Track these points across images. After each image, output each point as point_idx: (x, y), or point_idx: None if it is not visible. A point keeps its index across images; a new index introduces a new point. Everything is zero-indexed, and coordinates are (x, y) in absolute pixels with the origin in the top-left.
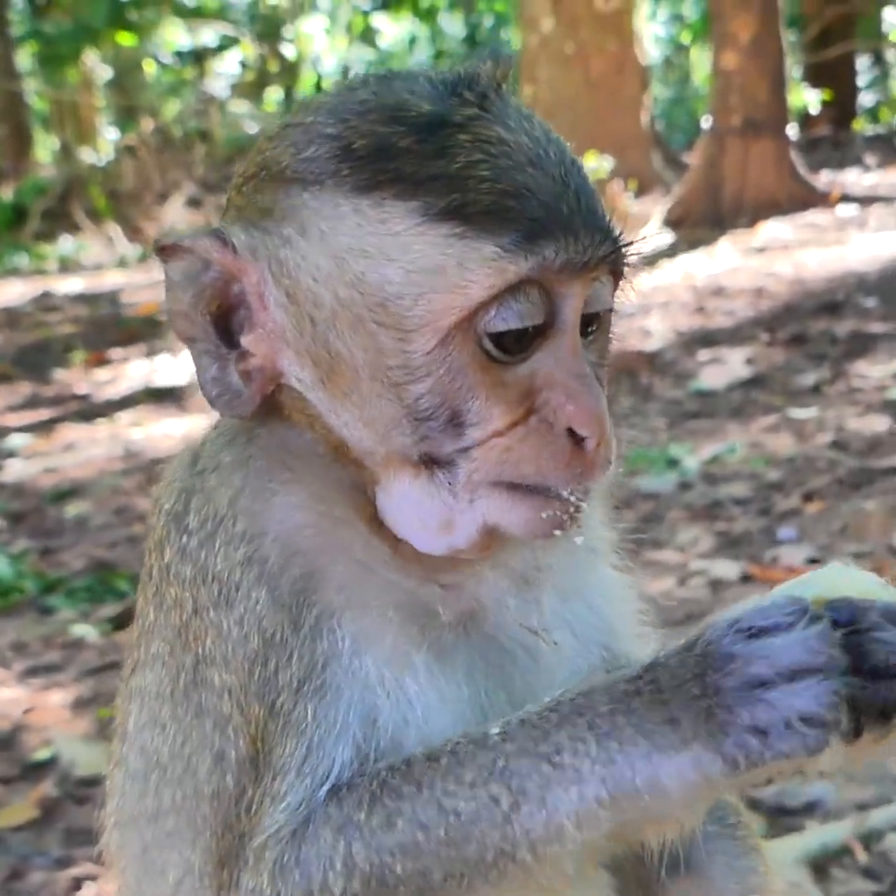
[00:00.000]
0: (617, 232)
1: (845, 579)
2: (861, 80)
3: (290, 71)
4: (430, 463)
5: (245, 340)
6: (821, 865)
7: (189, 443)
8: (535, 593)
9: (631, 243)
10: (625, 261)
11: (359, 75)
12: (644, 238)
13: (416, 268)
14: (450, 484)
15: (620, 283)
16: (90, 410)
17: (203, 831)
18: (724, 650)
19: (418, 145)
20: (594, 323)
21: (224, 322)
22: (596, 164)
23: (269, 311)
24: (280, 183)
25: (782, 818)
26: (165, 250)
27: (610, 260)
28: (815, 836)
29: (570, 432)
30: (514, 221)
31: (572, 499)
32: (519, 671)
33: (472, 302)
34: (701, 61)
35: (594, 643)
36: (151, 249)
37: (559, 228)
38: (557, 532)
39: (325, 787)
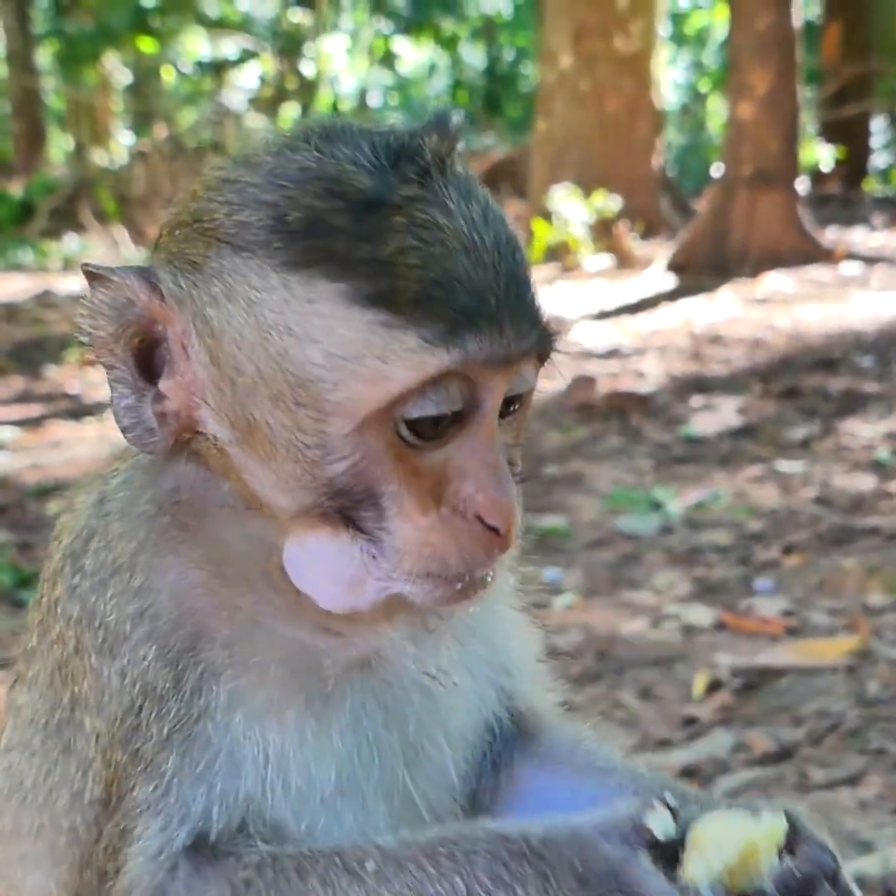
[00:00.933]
0: (544, 322)
1: (726, 830)
2: (875, 141)
3: (307, 89)
4: (345, 521)
5: (163, 385)
6: None
7: (98, 472)
8: (434, 639)
9: (557, 334)
10: (551, 348)
11: (301, 130)
12: (570, 326)
13: (339, 353)
14: (367, 552)
15: (547, 362)
16: (80, 410)
17: (60, 863)
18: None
19: (353, 225)
20: (515, 403)
21: (145, 355)
22: (604, 203)
23: (191, 363)
24: (211, 240)
25: None
26: (94, 277)
27: (535, 350)
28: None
29: (479, 519)
30: (440, 313)
31: (481, 577)
32: (414, 712)
33: (392, 394)
34: (717, 110)
35: (491, 684)
36: (83, 272)
37: (484, 322)
38: (465, 603)
39: (183, 837)
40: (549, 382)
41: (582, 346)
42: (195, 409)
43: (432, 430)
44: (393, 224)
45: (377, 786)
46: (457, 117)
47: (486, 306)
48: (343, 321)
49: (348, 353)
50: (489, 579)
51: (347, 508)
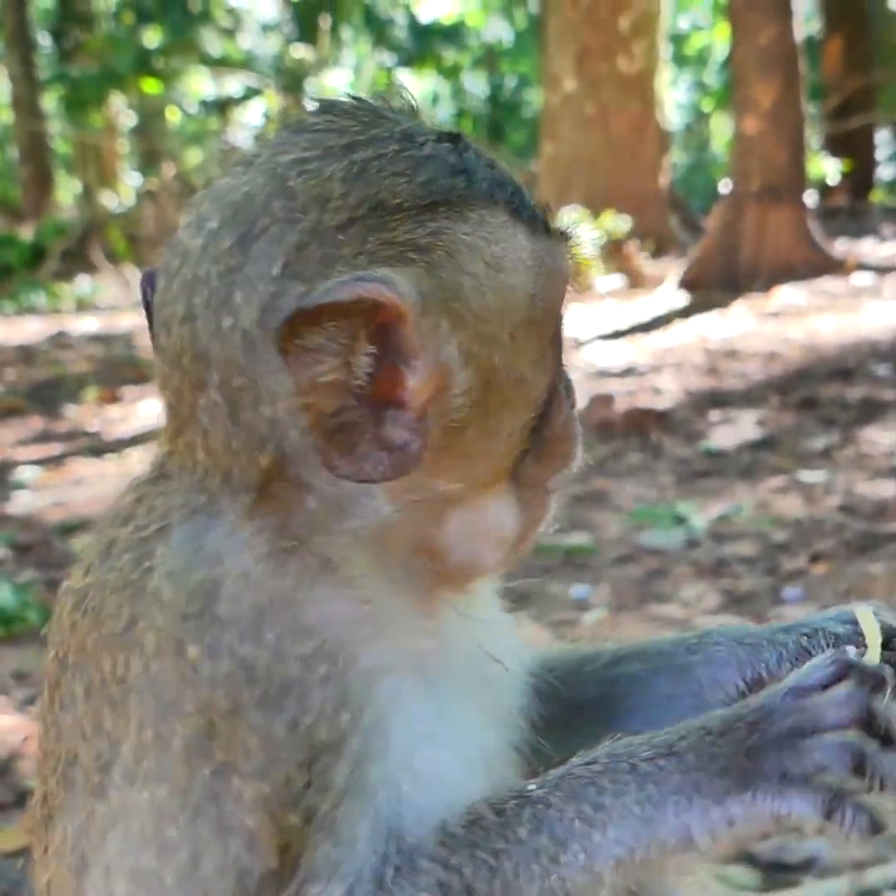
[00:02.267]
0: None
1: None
2: (880, 153)
3: None
4: (515, 479)
5: (409, 386)
6: None
7: (157, 525)
8: (492, 629)
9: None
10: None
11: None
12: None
13: (533, 262)
14: (521, 488)
15: None
16: (100, 447)
17: None
18: (787, 703)
19: (475, 161)
20: None
21: (365, 384)
22: (613, 224)
23: (431, 348)
24: (406, 212)
25: (779, 873)
26: (307, 315)
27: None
28: (812, 892)
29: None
30: (547, 222)
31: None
32: (494, 700)
33: (566, 284)
34: (721, 129)
35: (522, 667)
36: (281, 331)
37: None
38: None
39: (365, 886)
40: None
41: (597, 366)
42: (440, 397)
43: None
44: (483, 157)
45: (484, 751)
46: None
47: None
48: (521, 237)
49: (536, 263)
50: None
51: (531, 433)
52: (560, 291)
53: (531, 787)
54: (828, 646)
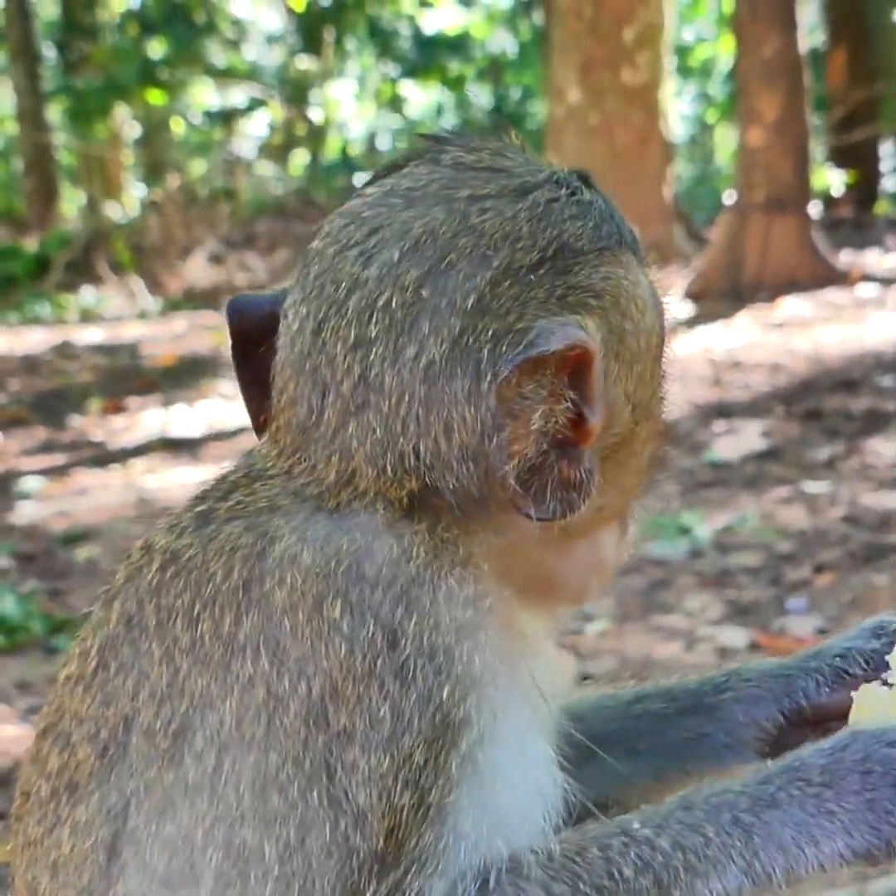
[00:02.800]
0: None
1: None
2: (885, 165)
3: (316, 135)
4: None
5: (590, 431)
6: None
7: (217, 508)
8: (546, 663)
9: None
10: None
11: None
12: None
13: (652, 302)
14: (624, 526)
15: None
16: (105, 457)
17: None
18: (883, 752)
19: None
20: None
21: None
22: None
23: (605, 392)
24: (577, 258)
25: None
26: (526, 366)
27: None
28: None
29: None
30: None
31: None
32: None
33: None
34: (725, 141)
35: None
36: (505, 377)
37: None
38: None
39: (468, 885)
40: None
41: None
42: (603, 435)
43: None
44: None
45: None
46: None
47: None
48: (644, 279)
49: (654, 301)
50: None
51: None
52: (667, 323)
53: (635, 825)
54: (865, 663)
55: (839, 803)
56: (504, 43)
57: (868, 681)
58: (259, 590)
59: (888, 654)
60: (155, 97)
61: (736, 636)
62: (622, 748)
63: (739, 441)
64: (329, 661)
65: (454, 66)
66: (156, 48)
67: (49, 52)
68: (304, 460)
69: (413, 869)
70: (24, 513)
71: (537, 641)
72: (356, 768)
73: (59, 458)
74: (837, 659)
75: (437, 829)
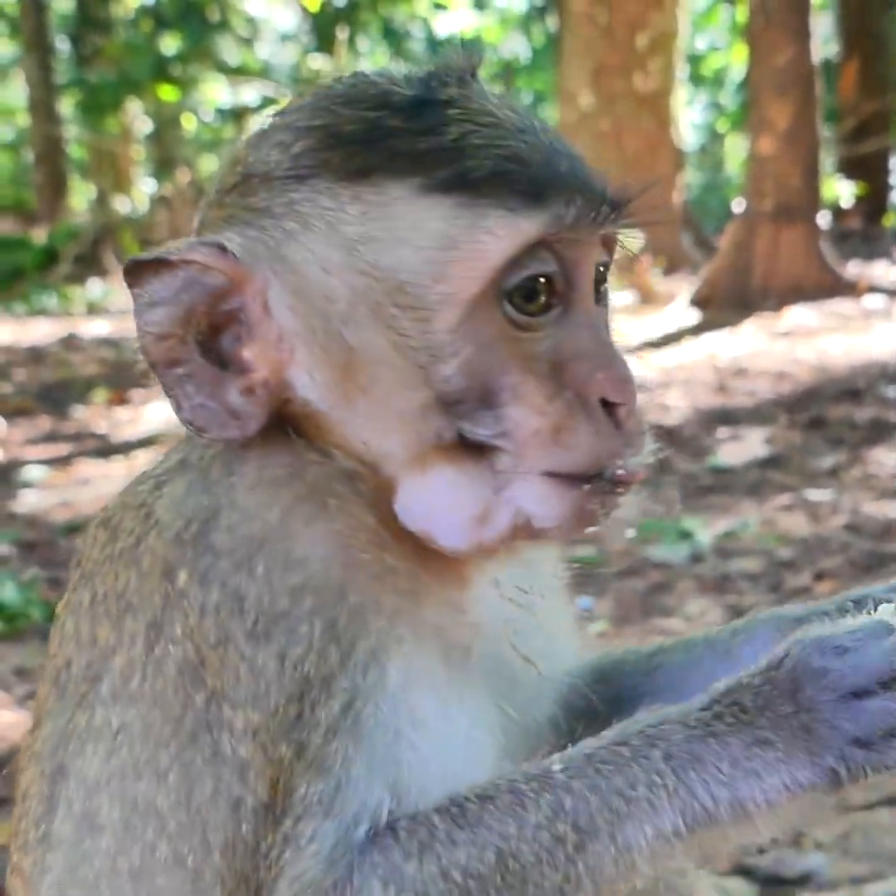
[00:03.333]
0: (618, 190)
1: None
2: (894, 177)
3: None
4: (464, 449)
5: (248, 353)
6: None
7: (161, 467)
8: (525, 618)
9: (633, 197)
10: (632, 219)
11: (328, 82)
12: (647, 188)
13: (430, 244)
14: (487, 471)
15: (614, 250)
16: (108, 448)
17: (212, 886)
18: (816, 665)
19: (408, 123)
20: (601, 283)
21: (210, 343)
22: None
23: (273, 317)
24: (270, 181)
25: (777, 888)
26: (143, 267)
27: (618, 216)
28: None
29: (603, 403)
30: (520, 184)
31: (608, 485)
32: (517, 692)
33: (491, 269)
34: (735, 150)
35: (560, 669)
36: (128, 270)
37: (565, 186)
38: (589, 528)
39: (361, 830)
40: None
41: None
42: (284, 368)
43: (535, 304)
44: (447, 116)
45: (494, 744)
46: (476, 46)
47: (559, 173)
48: (425, 213)
49: (439, 243)
50: (616, 500)
51: (463, 423)
52: (479, 275)
53: (556, 767)
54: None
55: (774, 731)
56: (517, 47)
57: None
58: (139, 551)
59: None
60: (167, 93)
61: None
62: (638, 704)
63: (743, 447)
64: (186, 629)
65: None
66: (169, 44)
67: (62, 45)
68: None
69: (304, 816)
70: (26, 501)
71: (478, 589)
72: (232, 725)
73: (62, 449)
74: (851, 602)
75: (325, 778)
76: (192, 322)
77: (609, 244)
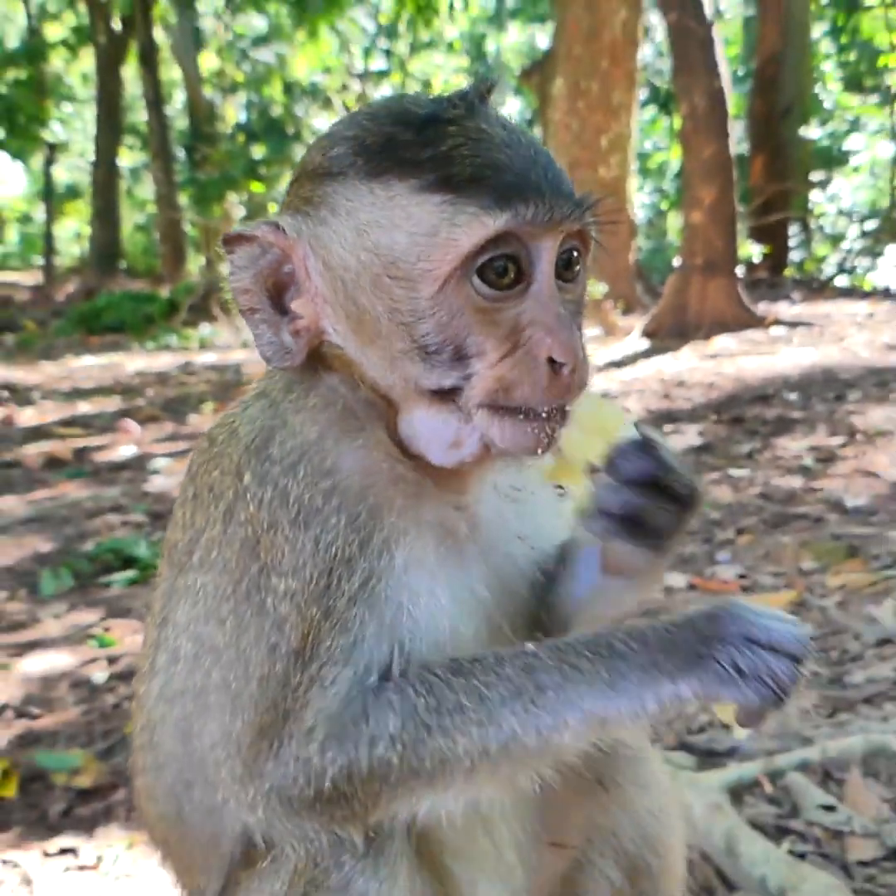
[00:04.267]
0: (579, 196)
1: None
2: (792, 241)
3: None
4: (439, 393)
5: (295, 305)
6: (737, 793)
7: (249, 395)
8: (518, 509)
9: (591, 204)
10: (587, 219)
11: (372, 101)
12: (600, 200)
13: (417, 231)
14: (455, 408)
15: (589, 231)
16: None
17: (247, 707)
18: (737, 612)
19: (416, 137)
20: (573, 267)
21: (276, 295)
22: (594, 288)
23: (312, 280)
24: (315, 177)
25: (710, 758)
26: (230, 240)
27: (574, 216)
28: (734, 772)
29: (550, 361)
30: (492, 187)
31: (550, 419)
32: (508, 569)
33: (462, 253)
34: (674, 222)
35: (549, 543)
36: (219, 246)
37: (528, 191)
38: (538, 449)
39: (373, 678)
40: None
41: None
42: (320, 318)
43: (500, 281)
44: (447, 132)
45: (481, 624)
46: (493, 76)
47: (527, 180)
48: (417, 207)
49: (424, 230)
50: (557, 428)
51: (438, 370)
52: (452, 258)
53: (530, 648)
54: None
55: (688, 645)
56: None
57: None
58: (223, 456)
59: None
60: (256, 187)
61: (678, 580)
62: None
63: (682, 439)
64: (248, 514)
65: None
66: (257, 151)
67: (180, 153)
68: None
69: (327, 662)
70: (155, 484)
71: (476, 489)
72: (276, 589)
73: (180, 445)
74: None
75: (345, 635)
76: (261, 280)
77: (582, 237)
